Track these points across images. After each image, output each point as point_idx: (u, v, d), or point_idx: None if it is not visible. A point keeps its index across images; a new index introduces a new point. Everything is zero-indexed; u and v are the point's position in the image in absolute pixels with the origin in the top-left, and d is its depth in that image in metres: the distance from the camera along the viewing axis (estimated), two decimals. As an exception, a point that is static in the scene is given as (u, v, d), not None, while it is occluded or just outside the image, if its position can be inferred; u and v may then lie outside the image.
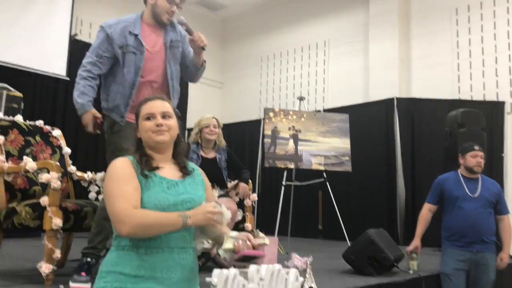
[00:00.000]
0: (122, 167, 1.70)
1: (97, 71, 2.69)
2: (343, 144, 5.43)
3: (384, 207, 6.37)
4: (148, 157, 1.75)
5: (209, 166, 3.73)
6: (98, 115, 2.66)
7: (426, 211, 3.76)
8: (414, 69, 6.96)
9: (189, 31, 2.77)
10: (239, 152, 7.45)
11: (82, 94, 2.63)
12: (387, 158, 6.41)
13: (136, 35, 2.68)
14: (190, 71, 2.93)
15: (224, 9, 8.53)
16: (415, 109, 6.42)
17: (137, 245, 1.61)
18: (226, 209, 1.63)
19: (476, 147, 3.69)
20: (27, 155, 3.04)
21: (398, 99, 6.49)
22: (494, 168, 5.83)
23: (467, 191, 3.61)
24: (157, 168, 1.73)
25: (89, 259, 2.61)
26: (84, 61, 2.71)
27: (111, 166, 1.72)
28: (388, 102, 6.54)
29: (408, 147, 6.34)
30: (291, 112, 5.43)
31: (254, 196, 3.76)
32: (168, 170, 1.77)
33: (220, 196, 3.63)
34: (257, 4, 8.37)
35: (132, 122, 2.07)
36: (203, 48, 2.76)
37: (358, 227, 5.99)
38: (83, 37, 7.02)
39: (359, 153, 6.08)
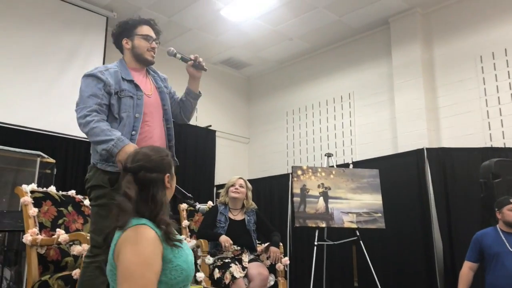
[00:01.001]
0: (152, 245, 1.49)
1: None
2: (374, 200, 5.31)
3: (421, 261, 6.11)
4: (169, 223, 1.58)
5: (237, 228, 3.70)
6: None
7: (467, 270, 3.60)
8: (442, 118, 6.86)
9: (184, 59, 2.74)
10: (268, 208, 7.38)
11: (109, 131, 2.37)
12: (421, 210, 6.22)
13: (130, 81, 2.55)
14: (187, 105, 2.84)
15: (249, 67, 8.72)
16: (446, 159, 6.27)
17: None
18: None
19: (512, 200, 3.60)
20: (60, 226, 3.08)
21: (428, 149, 6.37)
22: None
23: (508, 246, 3.45)
24: (180, 238, 1.59)
25: None
26: (83, 112, 2.40)
27: (141, 238, 1.49)
28: (418, 153, 6.42)
29: (442, 198, 6.14)
30: (319, 169, 5.35)
31: (286, 260, 3.66)
32: None
33: (250, 260, 3.55)
34: (280, 61, 8.53)
35: None
36: (204, 69, 2.74)
37: (396, 283, 5.79)
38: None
39: (392, 206, 5.93)
